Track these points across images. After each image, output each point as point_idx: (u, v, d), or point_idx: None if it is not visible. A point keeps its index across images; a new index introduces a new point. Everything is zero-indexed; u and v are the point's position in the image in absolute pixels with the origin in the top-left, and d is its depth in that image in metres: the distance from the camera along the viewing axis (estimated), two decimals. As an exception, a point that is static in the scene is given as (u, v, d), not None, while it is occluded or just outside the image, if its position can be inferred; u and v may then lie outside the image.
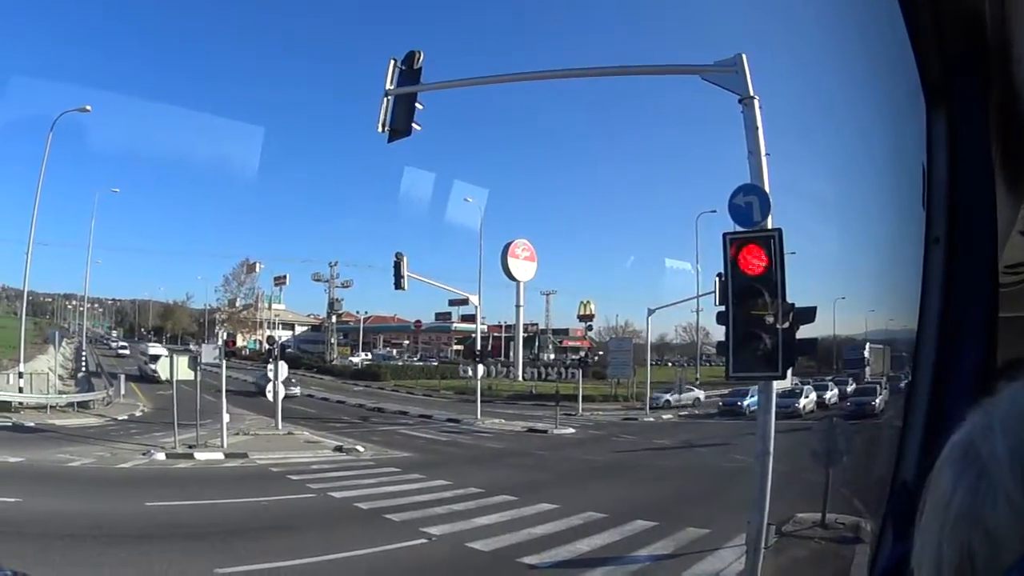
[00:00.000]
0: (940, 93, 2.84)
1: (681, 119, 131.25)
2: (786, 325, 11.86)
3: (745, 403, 52.63)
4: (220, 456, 31.98)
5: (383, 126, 19.04)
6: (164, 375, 36.11)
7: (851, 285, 73.10)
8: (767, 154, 16.35)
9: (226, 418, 34.65)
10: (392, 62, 19.12)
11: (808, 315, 12.93)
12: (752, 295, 11.89)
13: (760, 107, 16.42)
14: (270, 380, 40.84)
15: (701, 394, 65.86)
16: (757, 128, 16.22)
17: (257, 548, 16.88)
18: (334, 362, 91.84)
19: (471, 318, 77.27)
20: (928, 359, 2.73)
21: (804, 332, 13.48)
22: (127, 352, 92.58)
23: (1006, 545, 1.03)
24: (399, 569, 16.49)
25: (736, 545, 15.89)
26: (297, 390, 59.68)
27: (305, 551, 16.61)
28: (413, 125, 19.11)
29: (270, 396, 41.45)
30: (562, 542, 18.87)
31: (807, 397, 51.90)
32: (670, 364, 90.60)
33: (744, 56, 16.55)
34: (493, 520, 20.97)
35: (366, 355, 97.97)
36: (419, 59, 19.32)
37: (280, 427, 41.16)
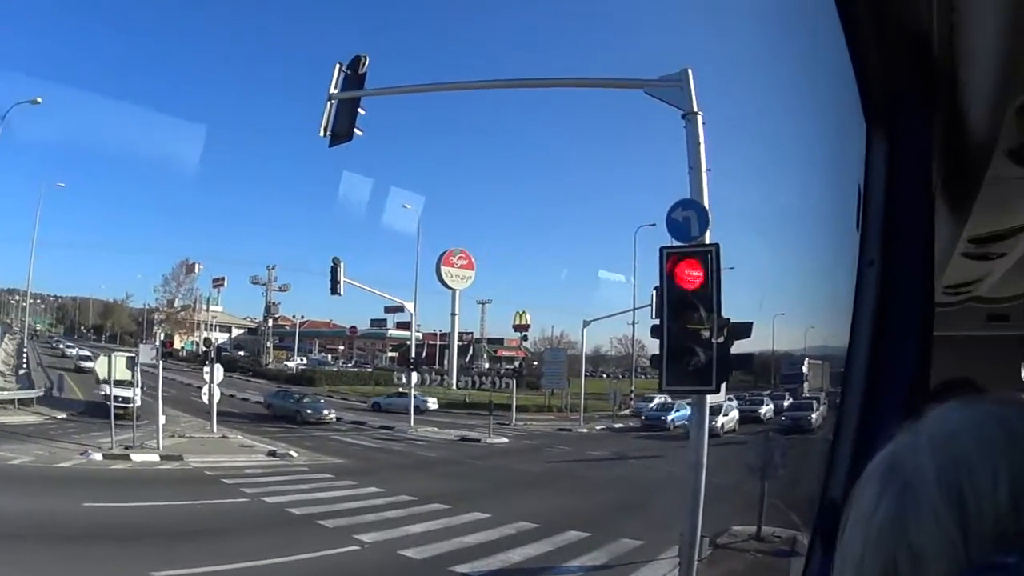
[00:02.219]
0: (881, 115, 2.83)
1: (621, 133, 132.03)
2: (721, 340, 11.99)
3: (669, 418, 52.71)
4: (156, 458, 31.87)
5: (325, 130, 19.01)
6: (102, 375, 35.91)
7: (791, 301, 74.26)
8: (708, 169, 16.57)
9: (162, 420, 34.64)
10: (337, 66, 19.14)
11: (744, 330, 13.16)
12: (687, 309, 11.97)
13: (703, 123, 16.60)
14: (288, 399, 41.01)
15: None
16: (699, 143, 16.42)
17: (193, 552, 16.88)
18: (269, 366, 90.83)
19: (406, 325, 76.77)
20: (859, 377, 2.71)
21: (741, 347, 13.72)
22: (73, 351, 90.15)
23: (931, 563, 1.03)
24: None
25: (670, 557, 16.01)
26: (333, 415, 56.64)
27: (239, 556, 16.60)
28: (355, 130, 19.11)
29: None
30: (494, 551, 18.99)
31: (727, 415, 49.46)
32: (605, 376, 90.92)
33: (690, 71, 16.75)
34: (425, 528, 21.08)
35: (301, 360, 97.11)
36: (364, 64, 19.34)
37: (215, 430, 41.06)
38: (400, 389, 67.81)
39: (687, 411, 46.92)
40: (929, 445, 1.12)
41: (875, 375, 2.62)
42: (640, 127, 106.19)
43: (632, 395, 68.64)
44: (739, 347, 13.10)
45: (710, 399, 15.20)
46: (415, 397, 61.05)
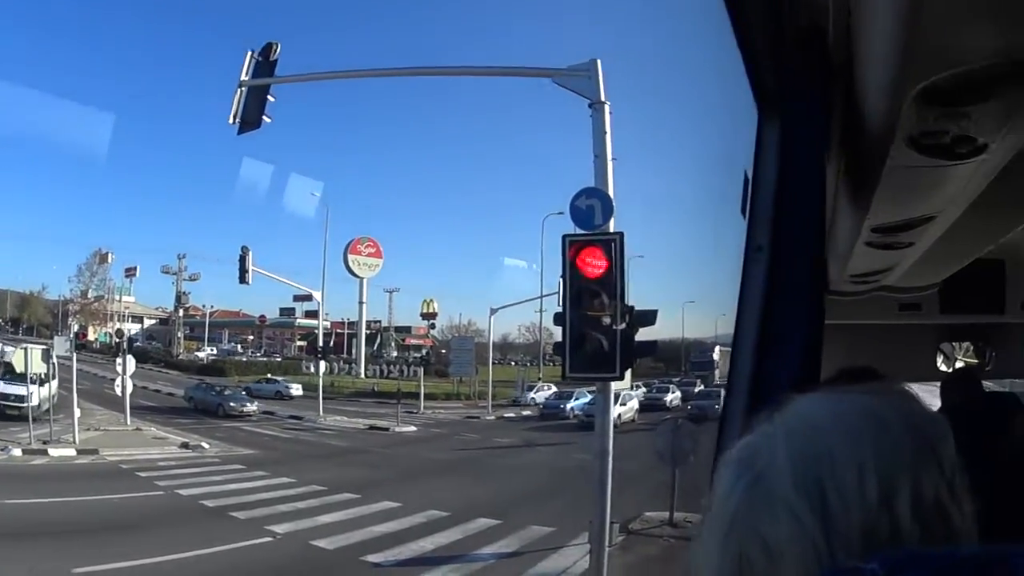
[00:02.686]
0: (772, 102, 2.81)
1: (530, 123, 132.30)
2: (624, 327, 12.04)
3: (568, 406, 52.13)
4: (73, 452, 31.42)
5: (235, 117, 18.88)
6: (19, 368, 35.21)
7: (703, 289, 75.17)
8: (614, 158, 16.80)
9: (77, 413, 34.07)
10: (249, 53, 18.98)
11: (648, 318, 13.26)
12: (590, 296, 12.01)
13: (611, 112, 16.78)
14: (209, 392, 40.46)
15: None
16: (605, 132, 16.60)
17: (115, 547, 16.67)
18: (180, 357, 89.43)
19: (314, 314, 76.22)
20: (744, 366, 2.66)
21: (651, 334, 13.96)
22: None
23: (786, 559, 1.01)
24: (246, 568, 16.56)
25: (581, 543, 16.08)
26: (256, 407, 54.83)
27: (159, 550, 16.53)
28: (264, 117, 19.01)
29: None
30: (406, 540, 19.14)
31: (624, 405, 46.77)
32: (513, 363, 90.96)
33: (599, 62, 16.85)
34: (336, 518, 21.17)
35: (211, 350, 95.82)
36: (276, 51, 19.21)
37: (129, 423, 40.40)
38: (269, 376, 67.99)
39: (586, 399, 47.05)
40: (785, 437, 1.10)
41: (762, 361, 2.56)
42: (549, 117, 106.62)
43: (522, 383, 68.37)
44: (649, 334, 13.28)
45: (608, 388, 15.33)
46: (278, 383, 61.98)
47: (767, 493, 1.04)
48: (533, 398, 60.57)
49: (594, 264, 12.16)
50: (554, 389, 60.87)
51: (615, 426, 39.29)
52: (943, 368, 7.44)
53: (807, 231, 2.65)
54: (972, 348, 7.61)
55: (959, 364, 7.56)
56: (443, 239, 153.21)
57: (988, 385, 8.53)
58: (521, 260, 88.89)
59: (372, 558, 17.57)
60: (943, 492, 1.03)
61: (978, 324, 7.32)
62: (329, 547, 18.20)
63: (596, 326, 11.93)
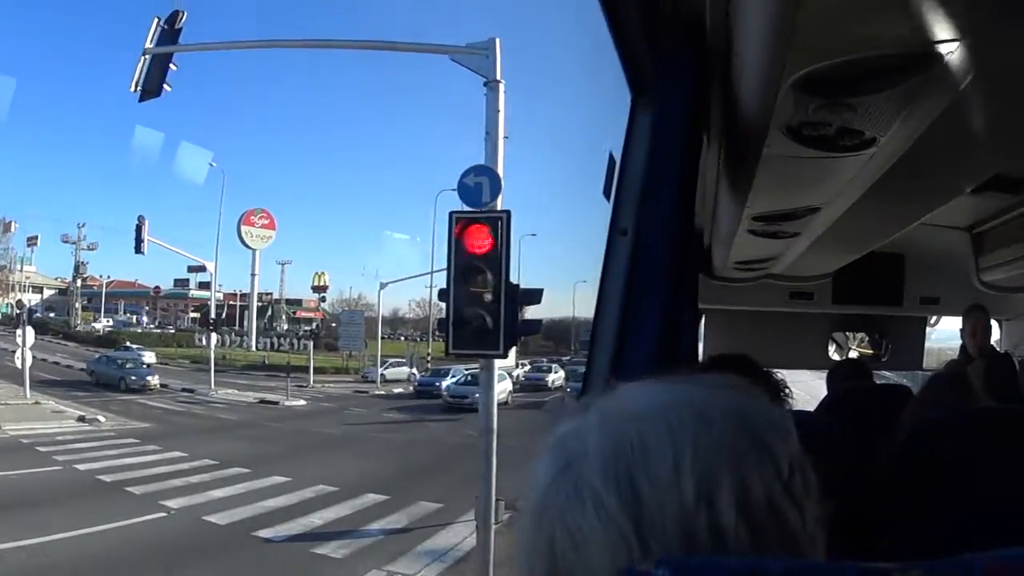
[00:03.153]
0: (644, 85, 2.68)
1: (428, 99, 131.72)
2: (508, 305, 11.86)
3: (444, 384, 51.01)
4: (-29, 427, 30.63)
5: (137, 85, 18.62)
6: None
7: (596, 269, 76.10)
8: (505, 137, 16.88)
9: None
10: (156, 20, 18.72)
11: (533, 296, 13.39)
12: (474, 273, 11.76)
13: (505, 91, 16.96)
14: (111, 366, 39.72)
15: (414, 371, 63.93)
16: (498, 111, 16.74)
17: (14, 524, 16.53)
18: (79, 328, 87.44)
19: (208, 285, 75.15)
20: (605, 350, 2.53)
21: (541, 312, 14.25)
22: None
23: (591, 548, 0.94)
24: (141, 545, 16.41)
25: (469, 520, 16.66)
26: (158, 380, 52.90)
27: (58, 527, 16.43)
28: (164, 86, 18.75)
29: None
30: (296, 515, 19.33)
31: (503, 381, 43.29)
32: (403, 338, 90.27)
33: (498, 41, 16.86)
34: (228, 493, 21.27)
35: (108, 321, 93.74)
36: (182, 19, 18.96)
37: (28, 396, 39.56)
38: (128, 344, 67.69)
39: (457, 379, 47.71)
40: (599, 425, 1.03)
41: (622, 346, 2.43)
42: (446, 94, 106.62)
43: (412, 358, 67.96)
44: (538, 312, 13.49)
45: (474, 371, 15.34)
46: (131, 351, 61.76)
47: (576, 481, 0.98)
48: (383, 374, 60.29)
49: (480, 241, 11.89)
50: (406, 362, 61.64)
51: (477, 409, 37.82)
52: (836, 357, 7.53)
53: (674, 216, 2.51)
54: (868, 339, 7.70)
55: (853, 354, 7.66)
56: (337, 213, 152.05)
57: (890, 377, 8.77)
58: (405, 234, 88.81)
59: (263, 533, 17.74)
60: (777, 492, 0.96)
61: (875, 315, 7.45)
62: (221, 522, 18.34)
63: (480, 303, 11.74)
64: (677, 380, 1.10)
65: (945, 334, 7.81)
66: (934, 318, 7.79)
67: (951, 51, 2.11)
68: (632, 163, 2.68)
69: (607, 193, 3.06)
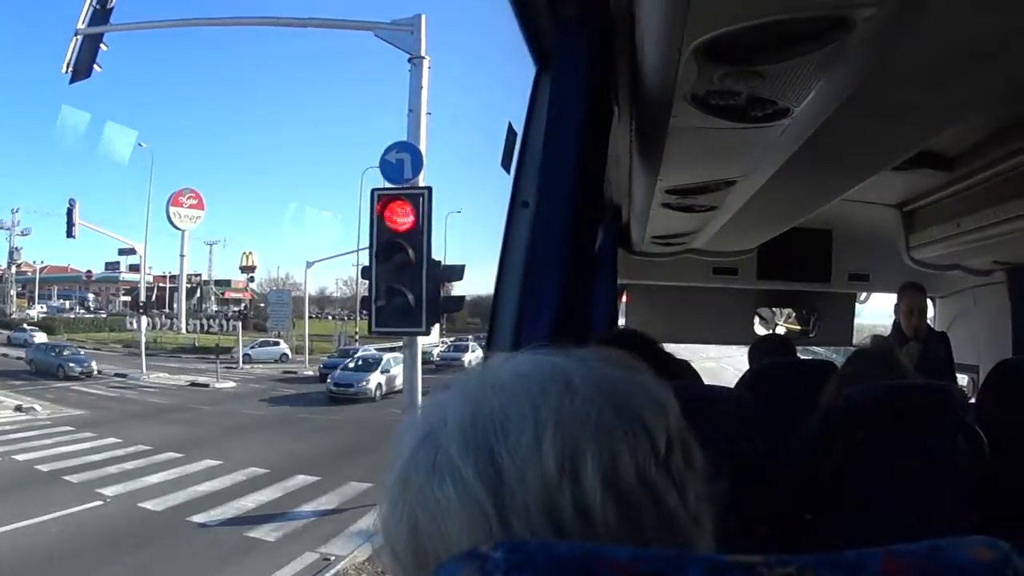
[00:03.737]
0: (547, 55, 2.56)
1: (355, 75, 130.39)
2: (430, 282, 11.89)
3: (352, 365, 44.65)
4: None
5: (68, 66, 18.39)
6: None
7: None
8: (428, 113, 16.93)
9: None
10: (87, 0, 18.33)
11: (455, 272, 13.50)
12: (396, 251, 11.74)
13: (430, 67, 16.97)
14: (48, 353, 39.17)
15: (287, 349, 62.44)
16: (422, 88, 16.78)
17: None
18: (13, 315, 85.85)
19: (139, 268, 74.21)
20: (506, 324, 2.47)
21: (466, 289, 14.05)
22: None
23: (452, 527, 0.88)
24: (80, 534, 16.36)
25: None
26: (95, 366, 50.70)
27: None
28: (95, 66, 18.48)
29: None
30: (228, 499, 19.49)
31: (387, 372, 40.88)
32: (331, 317, 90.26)
33: (423, 17, 16.86)
34: (162, 478, 21.29)
35: (41, 307, 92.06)
36: None
37: (-35, 387, 38.54)
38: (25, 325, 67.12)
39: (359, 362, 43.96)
40: (461, 395, 0.98)
41: (521, 319, 2.36)
42: (374, 70, 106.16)
43: (340, 337, 67.83)
44: (462, 289, 13.30)
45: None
46: (24, 332, 62.20)
47: (435, 453, 0.93)
48: (248, 354, 58.76)
49: (401, 219, 11.99)
50: (283, 344, 61.29)
51: (373, 399, 39.64)
52: (761, 332, 7.53)
53: (577, 189, 2.35)
54: (795, 315, 7.72)
55: (780, 330, 7.69)
56: (265, 192, 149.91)
57: (820, 352, 9.30)
58: (332, 212, 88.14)
59: (197, 518, 17.86)
60: (651, 469, 0.90)
61: (803, 291, 7.43)
62: (157, 508, 18.44)
63: (402, 280, 11.73)
64: (548, 351, 1.04)
65: (883, 312, 7.65)
66: (864, 295, 7.85)
67: (867, 17, 2.05)
68: (534, 134, 2.62)
69: (506, 165, 3.07)
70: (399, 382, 38.19)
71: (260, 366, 57.99)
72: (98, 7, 18.47)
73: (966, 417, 2.80)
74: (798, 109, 2.81)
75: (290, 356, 59.26)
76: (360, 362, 43.41)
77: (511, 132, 3.14)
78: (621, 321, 7.16)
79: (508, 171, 2.86)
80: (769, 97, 2.70)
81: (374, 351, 45.12)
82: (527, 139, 2.66)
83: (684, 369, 3.43)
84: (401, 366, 36.39)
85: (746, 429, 2.49)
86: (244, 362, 55.69)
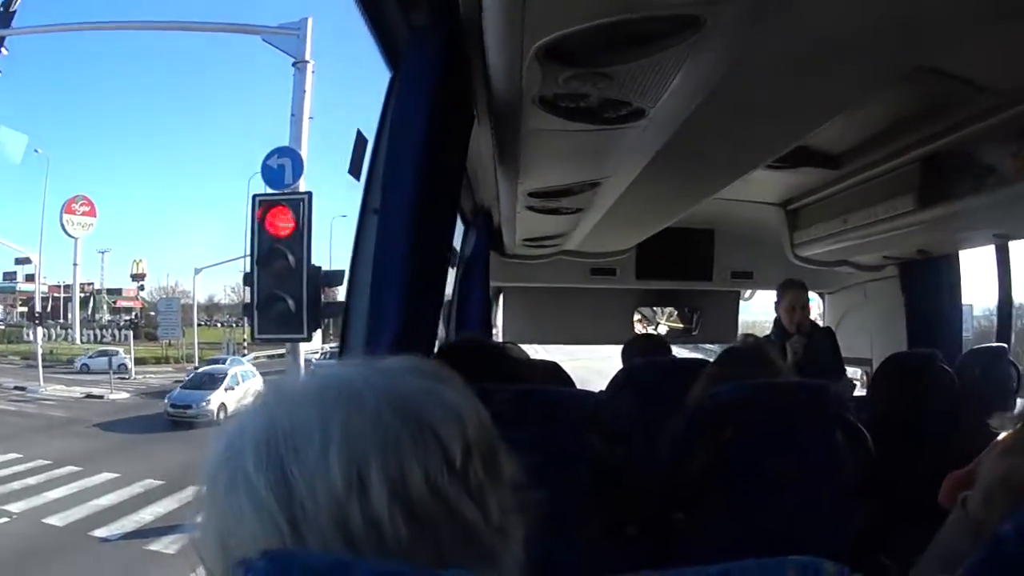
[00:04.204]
0: (398, 57, 2.44)
1: (244, 80, 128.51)
2: (311, 288, 11.66)
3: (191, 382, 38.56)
4: None
5: None
6: None
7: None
8: (311, 117, 17.13)
9: None
10: None
11: (336, 278, 13.03)
12: (277, 257, 11.53)
13: (313, 71, 17.08)
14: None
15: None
16: (305, 92, 16.98)
17: None
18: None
19: (34, 278, 72.53)
20: (356, 333, 2.40)
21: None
22: None
23: (250, 540, 0.86)
24: None
25: None
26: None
27: None
28: None
29: None
30: (127, 512, 19.62)
31: (231, 390, 35.48)
32: (219, 325, 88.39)
33: (310, 20, 16.94)
34: (63, 493, 21.26)
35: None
36: (16, 2, 18.99)
37: None
38: None
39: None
40: (258, 408, 0.96)
41: (369, 328, 2.25)
42: (266, 75, 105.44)
43: (229, 344, 67.15)
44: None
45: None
46: None
47: (233, 466, 0.90)
48: (86, 364, 57.28)
49: (282, 224, 11.75)
50: (121, 353, 59.03)
51: (215, 422, 32.96)
52: (640, 330, 7.40)
53: (424, 193, 2.23)
54: (677, 313, 7.63)
55: (663, 328, 7.58)
56: (156, 199, 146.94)
57: (715, 350, 8.46)
58: (216, 217, 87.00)
59: (99, 532, 18.04)
60: (443, 481, 0.89)
61: (685, 290, 7.33)
62: (60, 524, 18.48)
63: (283, 286, 11.48)
64: (348, 363, 1.09)
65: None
66: (748, 292, 7.79)
67: (717, 14, 1.96)
68: (383, 140, 2.49)
69: (355, 172, 3.00)
70: (251, 399, 35.12)
71: (152, 375, 57.16)
72: (2, 9, 18.86)
73: (845, 413, 2.75)
74: (654, 110, 2.71)
75: (129, 367, 57.00)
76: (200, 378, 38.25)
77: (360, 139, 3.10)
78: (500, 324, 7.35)
79: (358, 179, 2.80)
80: (621, 98, 2.60)
81: (221, 366, 42.88)
82: (378, 145, 2.58)
83: (540, 372, 3.50)
84: (253, 380, 36.59)
85: (602, 430, 2.42)
86: (82, 372, 54.26)
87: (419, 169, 2.23)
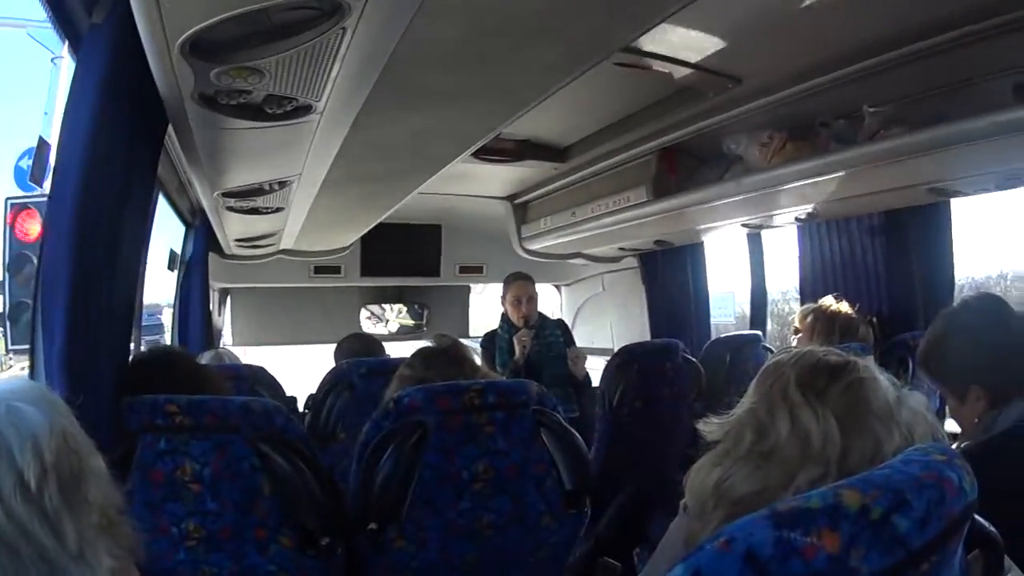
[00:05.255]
0: (77, 45, 2.17)
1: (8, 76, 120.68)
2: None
3: None
4: None
5: None
6: None
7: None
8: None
9: None
10: None
11: None
12: (25, 263, 10.58)
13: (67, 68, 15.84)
14: None
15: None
16: (59, 88, 15.74)
17: None
18: None
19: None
20: (39, 344, 2.01)
21: None
22: None
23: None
24: None
25: None
26: None
27: None
28: None
29: None
30: None
31: None
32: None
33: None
34: None
35: None
36: None
37: None
38: None
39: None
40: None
41: (35, 338, 2.02)
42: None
43: None
44: None
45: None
46: None
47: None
48: None
49: (31, 228, 11.20)
50: None
51: None
52: (375, 330, 7.21)
53: (94, 193, 2.01)
54: (407, 309, 7.49)
55: (393, 325, 7.45)
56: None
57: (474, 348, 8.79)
58: None
59: None
60: (16, 504, 0.86)
61: (413, 286, 7.20)
62: None
63: (28, 294, 10.59)
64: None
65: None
66: (481, 286, 7.68)
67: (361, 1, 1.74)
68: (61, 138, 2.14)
69: (36, 179, 2.96)
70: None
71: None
72: None
73: (545, 411, 2.54)
74: (321, 104, 2.47)
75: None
76: None
77: (41, 143, 2.96)
78: (228, 327, 7.13)
79: (40, 185, 2.67)
80: (281, 94, 2.34)
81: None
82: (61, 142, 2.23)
83: (244, 379, 3.56)
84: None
85: (281, 440, 2.23)
86: None
87: (89, 164, 1.99)
